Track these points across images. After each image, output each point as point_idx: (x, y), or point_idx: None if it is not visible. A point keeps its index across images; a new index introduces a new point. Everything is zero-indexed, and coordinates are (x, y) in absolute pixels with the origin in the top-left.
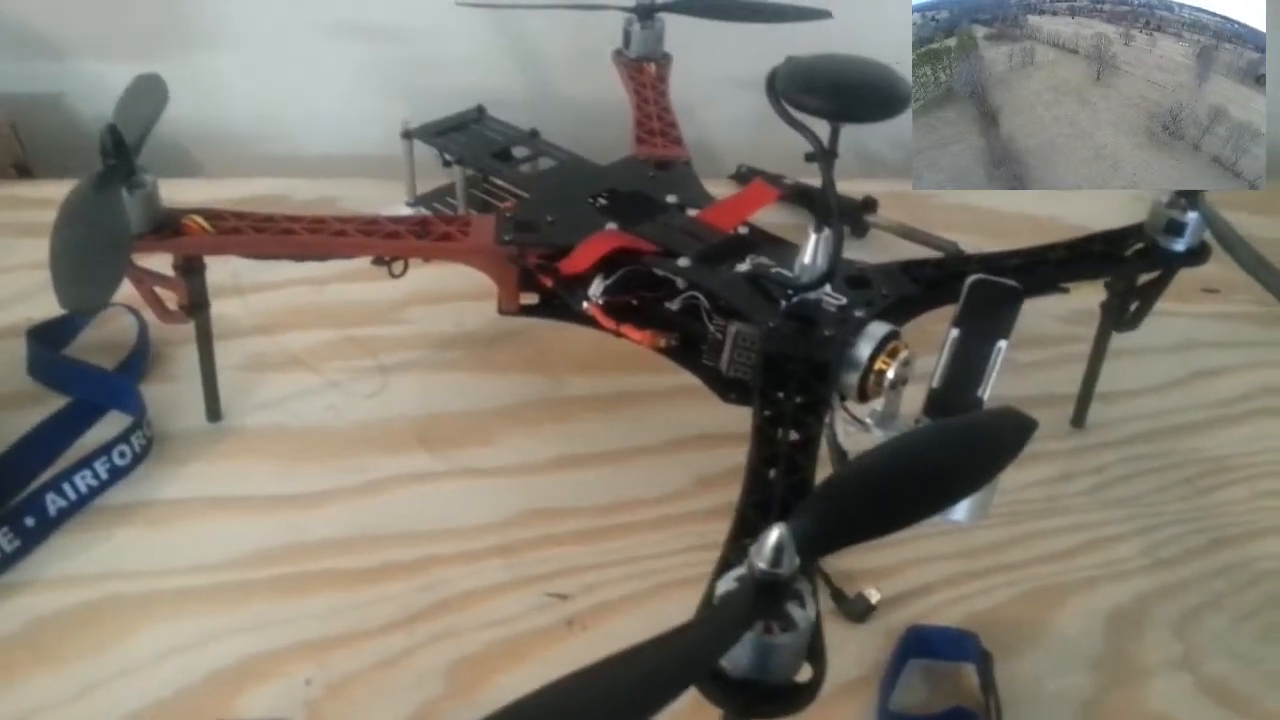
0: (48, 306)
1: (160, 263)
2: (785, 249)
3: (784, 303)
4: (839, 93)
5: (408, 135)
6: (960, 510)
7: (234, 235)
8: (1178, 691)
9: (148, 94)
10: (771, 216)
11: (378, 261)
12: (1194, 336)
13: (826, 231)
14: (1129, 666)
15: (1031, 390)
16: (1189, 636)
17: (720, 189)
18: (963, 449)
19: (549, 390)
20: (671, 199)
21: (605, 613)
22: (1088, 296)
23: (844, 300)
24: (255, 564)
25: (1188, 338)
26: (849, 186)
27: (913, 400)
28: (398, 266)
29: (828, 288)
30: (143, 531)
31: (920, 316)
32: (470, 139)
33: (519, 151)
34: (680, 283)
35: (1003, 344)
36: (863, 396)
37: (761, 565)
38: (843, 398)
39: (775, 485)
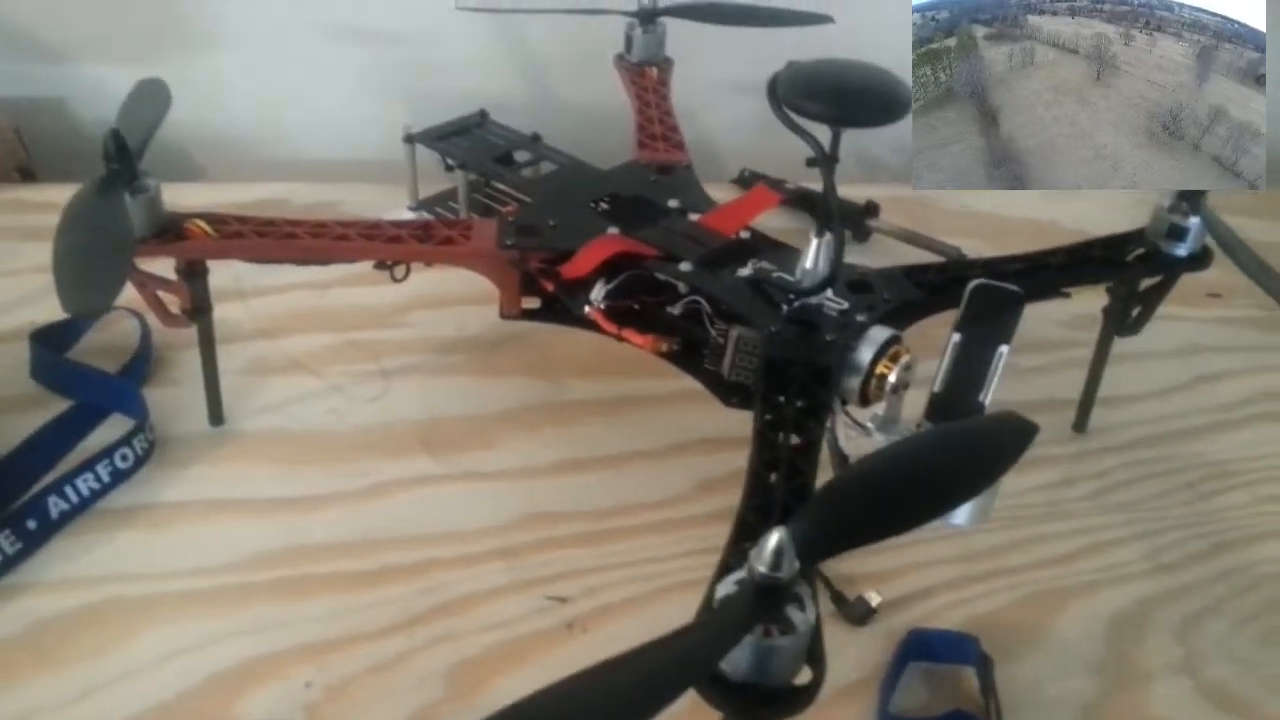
0: (51, 310)
1: (163, 267)
2: (787, 253)
3: (785, 307)
4: (840, 98)
5: (410, 139)
6: (961, 514)
7: (236, 239)
8: (1178, 696)
9: (150, 98)
10: (774, 221)
11: (380, 266)
12: (1196, 341)
13: (828, 236)
14: (1130, 671)
15: (1033, 395)
16: (1190, 641)
17: (723, 193)
18: (963, 453)
19: (550, 394)
20: (673, 203)
21: (605, 616)
22: (1089, 301)
23: (845, 305)
24: (256, 567)
25: (1190, 342)
26: (851, 191)
27: (914, 405)
28: (400, 271)
29: (829, 292)
30: (144, 534)
31: (922, 321)
32: (472, 143)
33: (521, 156)
34: (682, 287)
35: (1004, 349)
36: (864, 401)
37: (761, 569)
38: (844, 402)
39: (776, 489)
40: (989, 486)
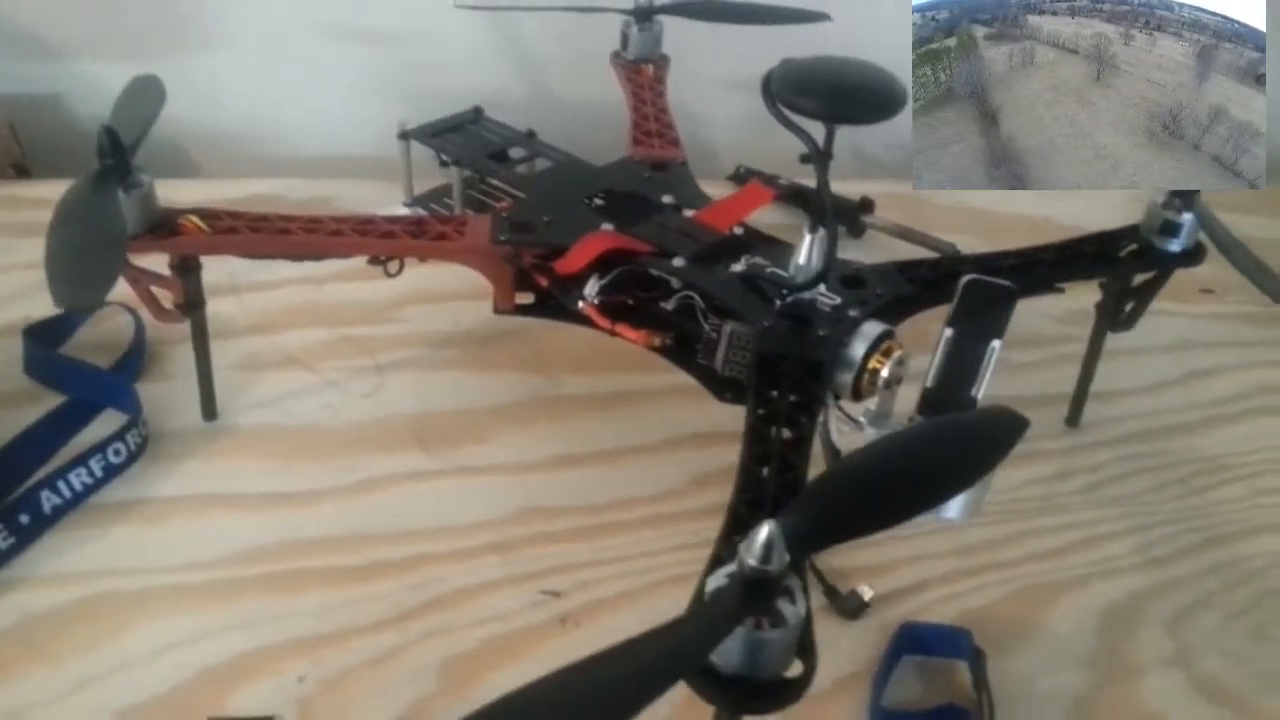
0: (45, 306)
1: (157, 262)
2: (780, 249)
3: (778, 302)
4: (834, 95)
5: (405, 136)
6: (953, 508)
7: (230, 235)
8: (1170, 689)
9: (145, 95)
10: (768, 217)
11: (373, 261)
12: (1189, 337)
13: (821, 232)
14: (1122, 664)
15: (1026, 390)
16: (1181, 634)
17: (718, 190)
18: (954, 446)
19: (544, 389)
20: (668, 199)
21: (599, 610)
22: (1083, 297)
23: (839, 300)
24: (250, 561)
25: (1183, 338)
26: (846, 188)
27: (907, 400)
28: (393, 266)
29: (822, 287)
30: (137, 529)
31: (916, 316)
32: (467, 140)
33: (516, 152)
34: (675, 282)
35: (996, 344)
36: (857, 395)
37: (751, 562)
38: (837, 397)
39: (768, 483)
40: (979, 480)
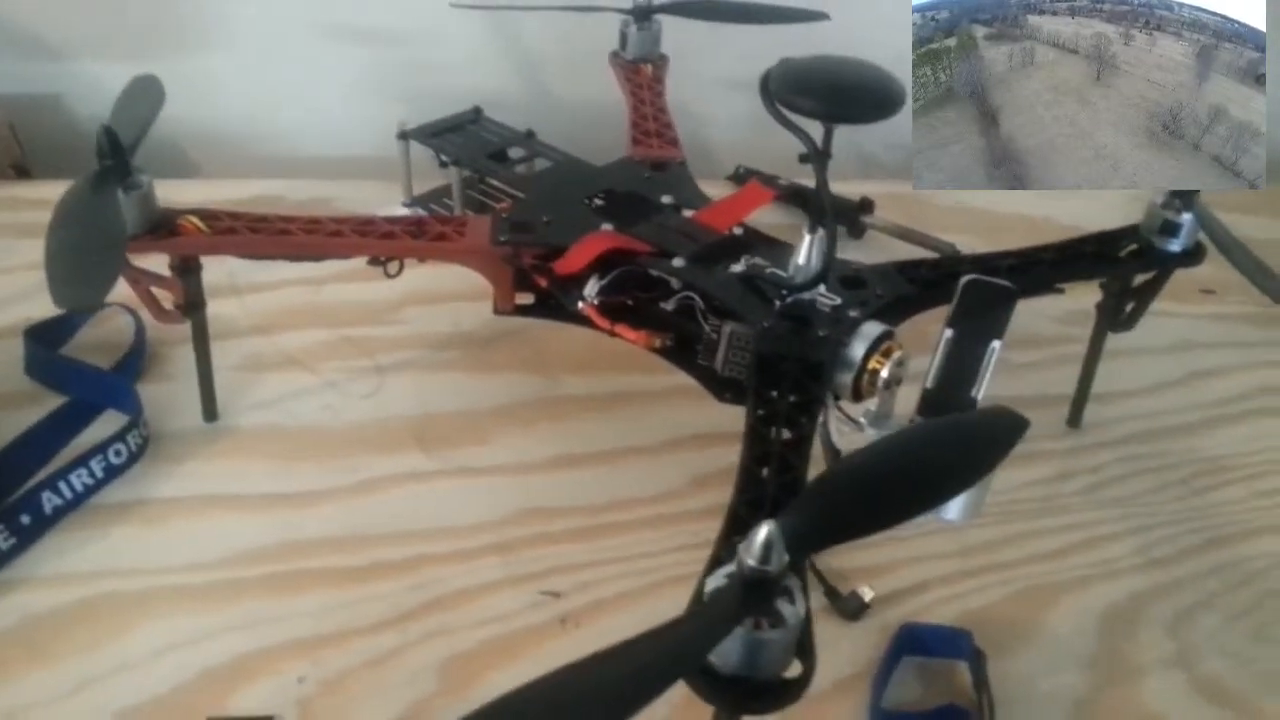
0: (46, 307)
1: (157, 263)
2: (780, 249)
3: (778, 303)
4: (832, 94)
5: (404, 136)
6: (953, 509)
7: (229, 235)
8: (1171, 690)
9: (144, 95)
10: (769, 217)
11: (373, 262)
12: (1190, 337)
13: (821, 232)
14: (1122, 665)
15: (1026, 391)
16: (1182, 635)
17: (718, 190)
18: (954, 447)
19: (545, 390)
20: (667, 200)
21: (598, 611)
22: (1083, 297)
23: (838, 300)
24: (250, 562)
25: (1184, 338)
26: (846, 188)
27: (907, 400)
28: (393, 267)
29: (822, 288)
30: (138, 530)
31: (916, 317)
32: (466, 140)
33: (515, 152)
34: (675, 283)
35: (996, 344)
36: (857, 396)
37: (750, 562)
38: (837, 397)
39: (768, 484)
40: (979, 480)
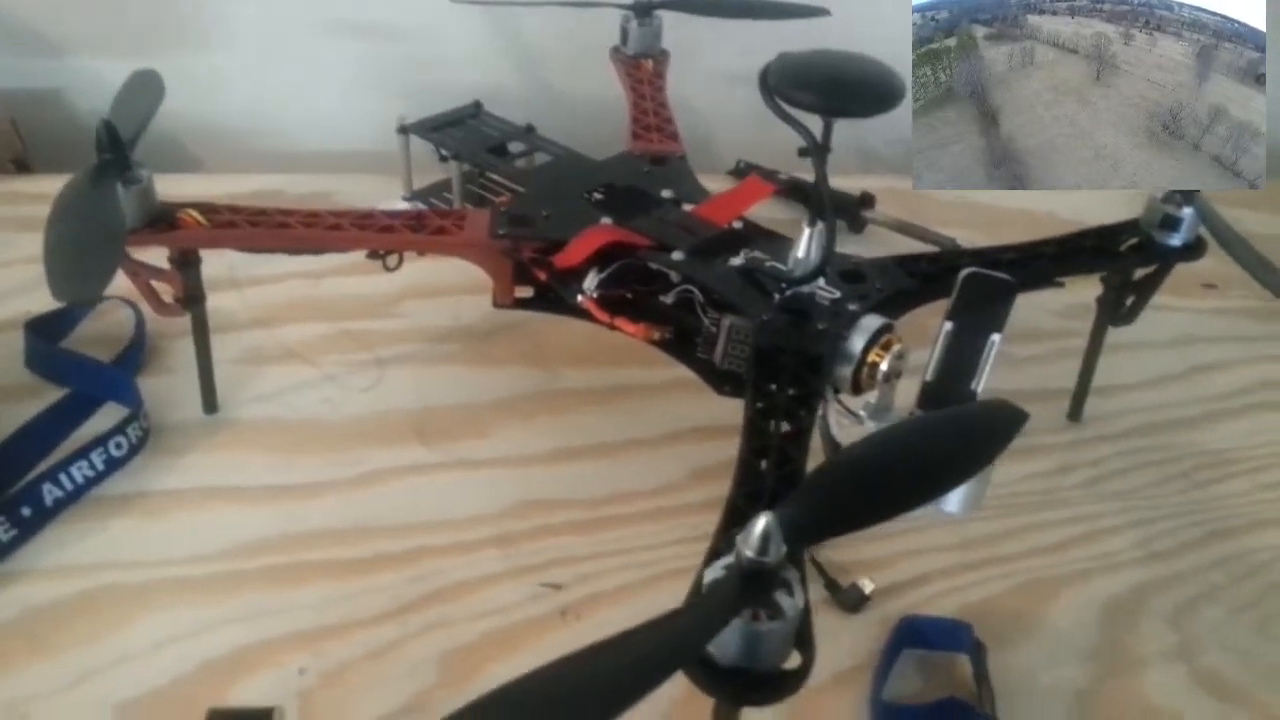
0: (46, 300)
1: (157, 256)
2: (779, 243)
3: (777, 296)
4: (831, 88)
5: (404, 130)
6: (953, 502)
7: (228, 229)
8: (1172, 683)
9: (144, 89)
10: (769, 211)
11: (373, 255)
12: (1192, 331)
13: (820, 225)
14: (1124, 658)
15: (1027, 384)
16: (1184, 628)
17: (718, 185)
18: (953, 439)
19: (544, 383)
20: (667, 194)
21: (598, 603)
22: (1083, 291)
23: (838, 294)
24: (250, 554)
25: (1185, 333)
26: (846, 182)
27: (907, 393)
28: (392, 260)
29: (821, 281)
30: (139, 522)
31: (916, 310)
32: (467, 134)
33: (515, 147)
34: (674, 276)
35: (996, 337)
36: (856, 389)
37: (748, 553)
38: (836, 390)
39: (767, 476)
40: (978, 472)
